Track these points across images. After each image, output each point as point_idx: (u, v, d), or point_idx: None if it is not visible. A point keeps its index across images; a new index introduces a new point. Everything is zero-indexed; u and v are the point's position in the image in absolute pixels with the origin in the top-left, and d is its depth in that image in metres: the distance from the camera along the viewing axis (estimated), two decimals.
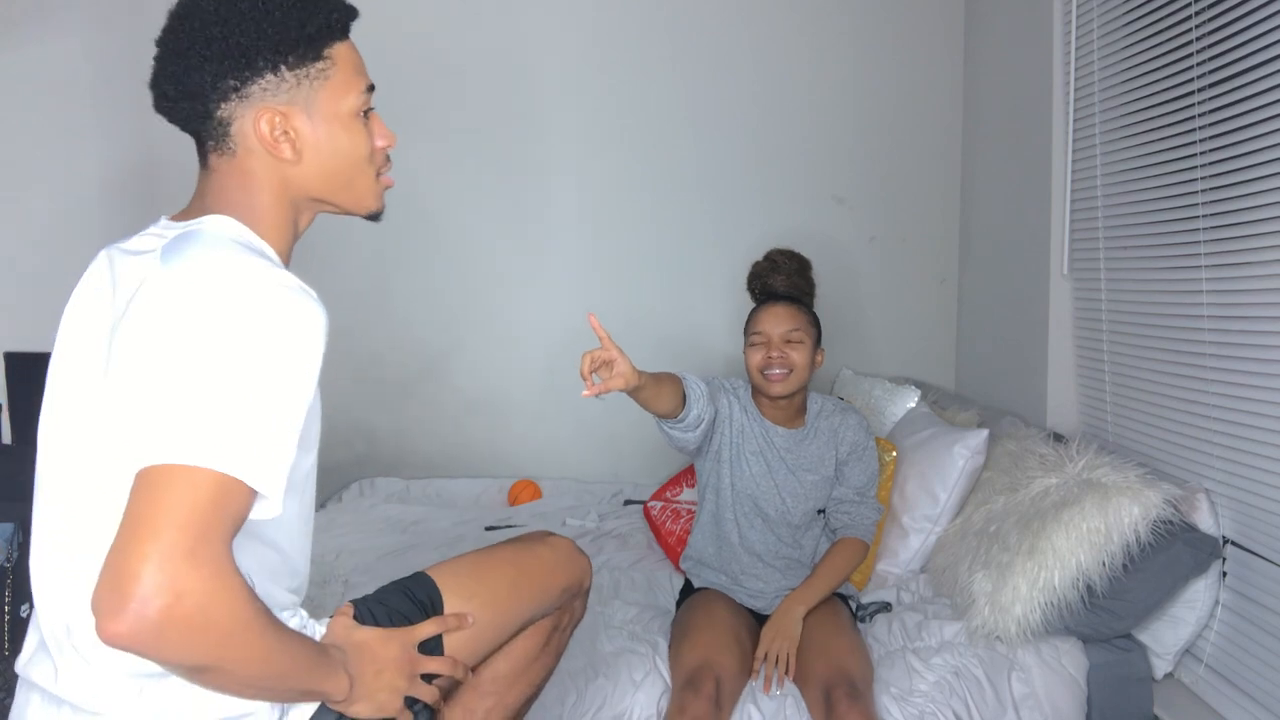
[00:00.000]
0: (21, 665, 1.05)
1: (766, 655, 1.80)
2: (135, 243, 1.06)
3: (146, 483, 0.84)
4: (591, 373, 1.56)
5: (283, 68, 1.04)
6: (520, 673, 1.42)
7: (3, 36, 2.93)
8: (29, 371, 2.96)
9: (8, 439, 2.79)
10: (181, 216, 1.07)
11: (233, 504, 0.86)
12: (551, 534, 1.51)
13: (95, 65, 2.93)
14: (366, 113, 1.12)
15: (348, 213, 1.16)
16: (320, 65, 1.07)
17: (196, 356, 0.89)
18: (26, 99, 2.96)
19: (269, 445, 0.89)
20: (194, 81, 1.03)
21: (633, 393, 1.65)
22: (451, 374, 3.26)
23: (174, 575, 0.80)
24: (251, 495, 0.88)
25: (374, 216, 1.18)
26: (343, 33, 1.10)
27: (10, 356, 2.93)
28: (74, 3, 2.92)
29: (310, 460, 1.06)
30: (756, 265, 2.12)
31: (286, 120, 1.05)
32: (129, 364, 0.93)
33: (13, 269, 2.90)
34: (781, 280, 2.05)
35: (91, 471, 0.98)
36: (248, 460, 0.87)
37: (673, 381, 1.78)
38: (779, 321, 1.96)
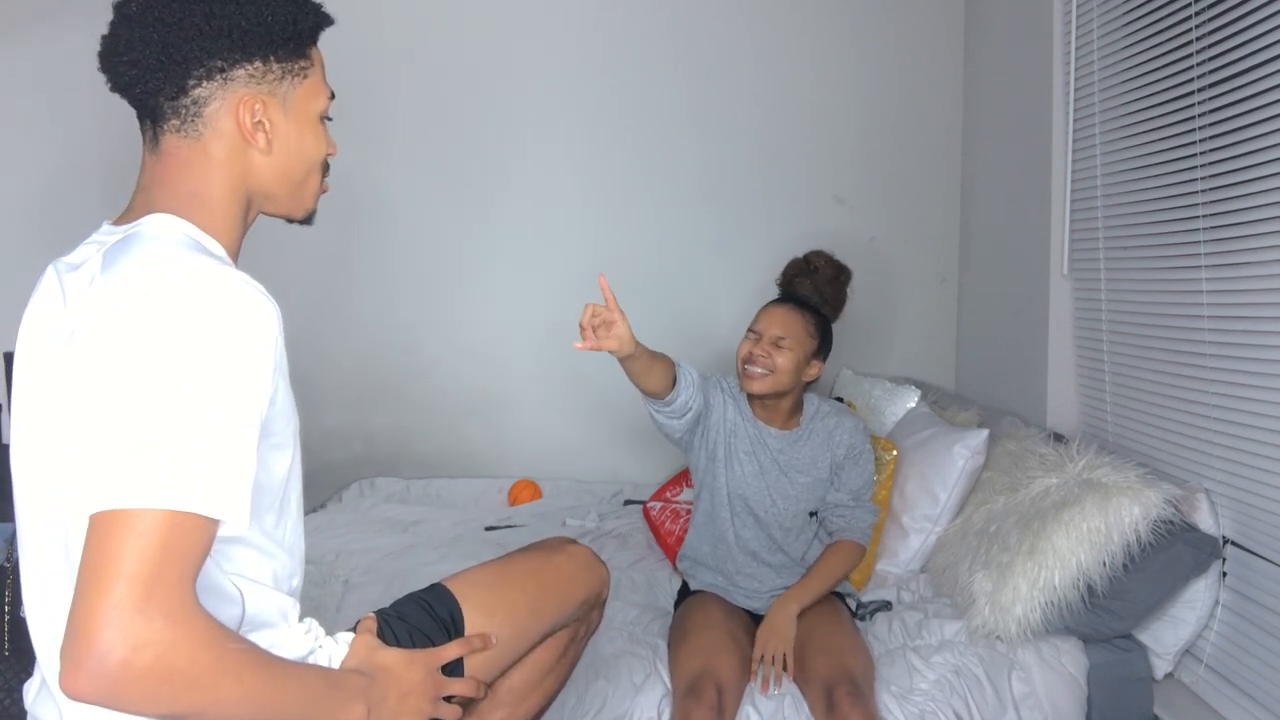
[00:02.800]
0: (29, 701, 1.04)
1: (763, 657, 1.80)
2: (78, 254, 1.03)
3: (94, 531, 0.80)
4: (592, 328, 1.57)
5: (271, 58, 1.04)
6: (535, 685, 1.41)
7: (3, 36, 2.93)
8: None
9: (8, 439, 2.79)
10: (124, 218, 1.04)
11: (188, 539, 0.82)
12: (571, 542, 1.48)
13: (94, 66, 2.93)
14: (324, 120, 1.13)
15: (284, 214, 1.14)
16: (302, 64, 1.07)
17: (132, 384, 0.84)
18: (27, 99, 2.96)
19: (220, 467, 0.85)
20: (182, 52, 0.99)
21: (625, 360, 1.67)
22: (452, 374, 3.26)
23: (126, 630, 0.77)
24: (212, 523, 0.84)
25: (308, 220, 1.17)
26: (317, 37, 1.11)
27: (10, 356, 2.93)
28: (74, 3, 2.92)
29: (286, 461, 1.02)
30: (793, 263, 2.10)
31: (266, 110, 1.04)
32: (74, 395, 0.90)
33: (13, 271, 2.89)
34: (809, 285, 2.03)
35: (57, 507, 0.94)
36: (197, 490, 0.82)
37: (666, 363, 1.80)
38: (775, 322, 1.95)
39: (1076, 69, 2.34)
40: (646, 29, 3.15)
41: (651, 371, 1.74)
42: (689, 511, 2.49)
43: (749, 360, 1.94)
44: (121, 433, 0.83)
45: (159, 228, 0.99)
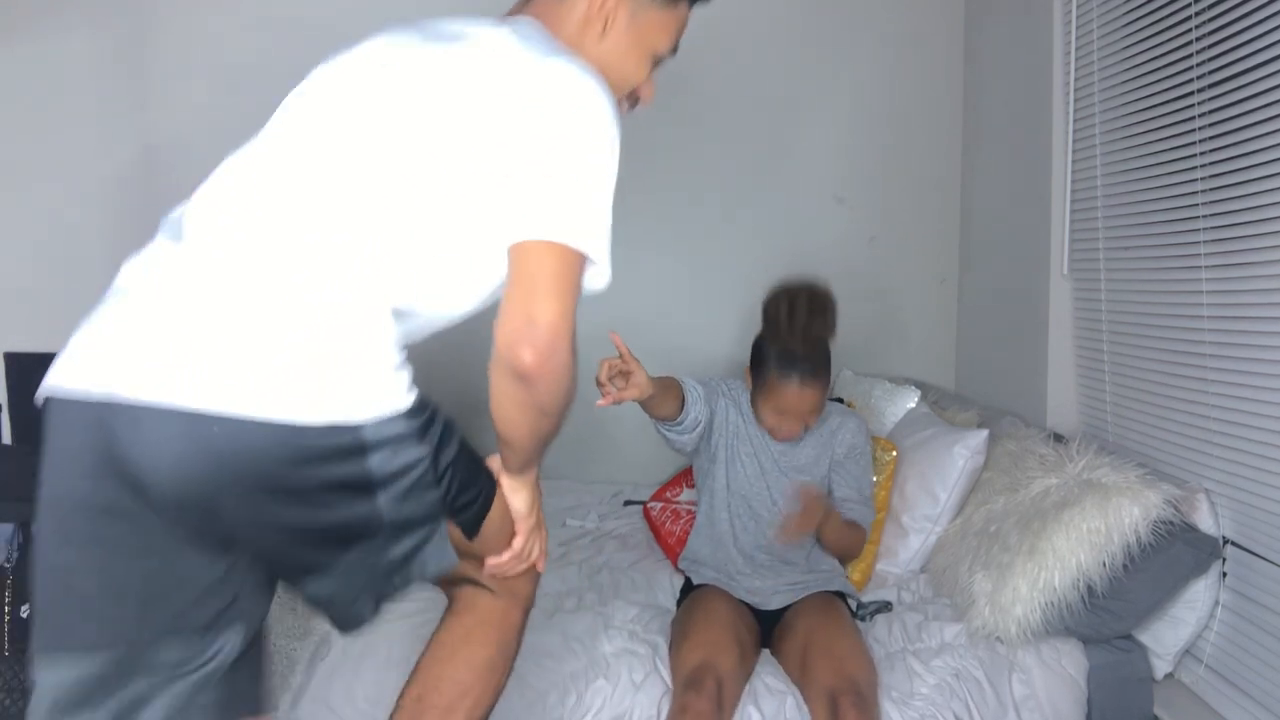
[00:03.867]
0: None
1: (804, 507, 1.83)
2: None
3: (538, 253, 1.07)
4: (609, 380, 1.60)
5: None
6: (485, 677, 1.37)
7: (4, 36, 2.93)
8: (29, 371, 2.95)
9: (8, 439, 2.79)
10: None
11: (581, 275, 1.10)
12: None
13: (95, 65, 2.93)
14: (656, 64, 1.30)
15: None
16: (669, 4, 1.25)
17: (577, 149, 1.08)
18: (27, 99, 2.96)
19: (608, 232, 1.10)
20: None
21: (643, 401, 1.71)
22: (450, 374, 3.24)
23: (559, 320, 1.06)
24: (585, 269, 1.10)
25: None
26: (691, 5, 1.29)
27: (10, 356, 2.92)
28: (74, 3, 2.92)
29: None
30: (773, 312, 1.90)
31: (617, 8, 1.22)
32: (508, 137, 1.09)
33: (12, 270, 2.90)
34: (801, 343, 1.86)
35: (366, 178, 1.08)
36: (601, 244, 1.09)
37: (673, 385, 1.83)
38: (805, 403, 1.88)
39: (1076, 69, 2.34)
40: None
41: (665, 400, 1.78)
42: (689, 512, 2.49)
43: (776, 432, 1.93)
44: (567, 184, 1.08)
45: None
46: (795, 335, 1.87)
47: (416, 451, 1.10)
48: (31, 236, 2.90)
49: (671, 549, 2.43)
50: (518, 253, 1.08)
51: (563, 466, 3.21)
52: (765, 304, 1.94)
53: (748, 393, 2.01)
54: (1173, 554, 1.79)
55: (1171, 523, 1.79)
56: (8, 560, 2.08)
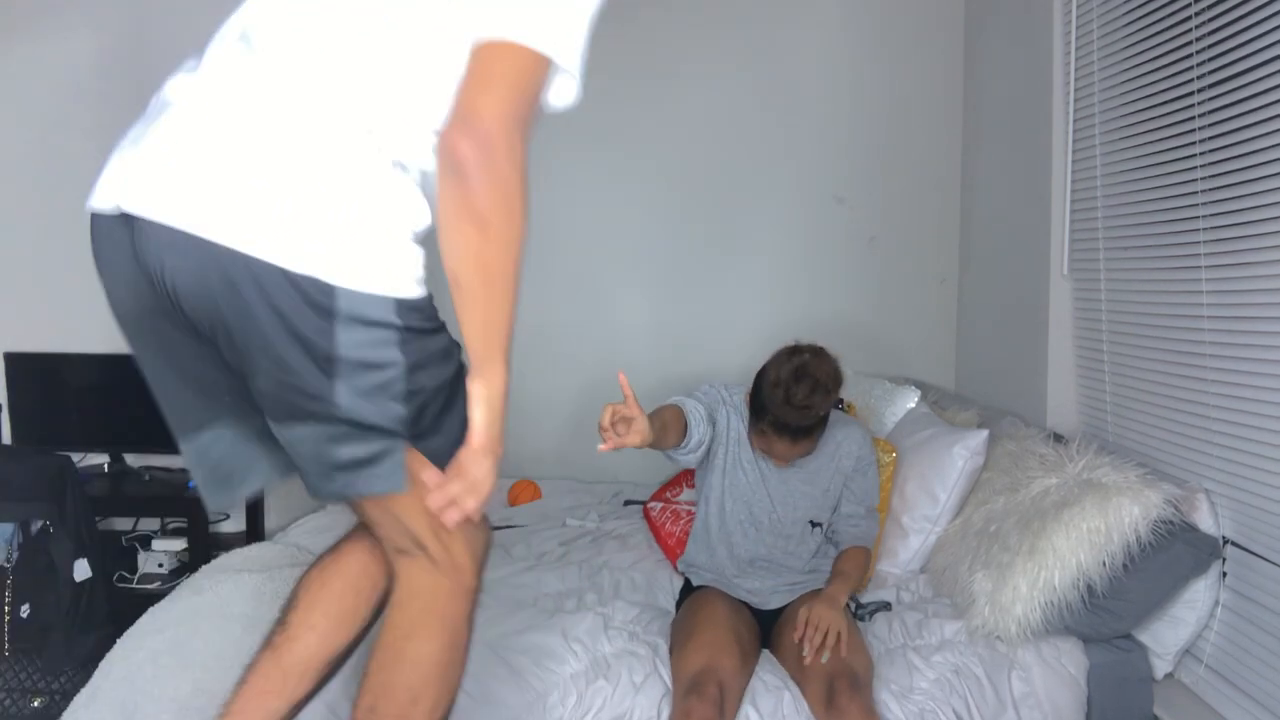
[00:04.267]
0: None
1: (814, 627, 1.77)
2: None
3: (494, 51, 1.04)
4: (612, 425, 1.61)
5: None
6: (436, 680, 1.28)
7: (3, 36, 2.93)
8: (29, 371, 2.96)
9: (8, 439, 2.80)
10: None
11: (542, 83, 1.07)
12: None
13: (95, 64, 2.94)
14: None
15: None
16: None
17: None
18: (27, 99, 2.96)
19: (579, 40, 1.08)
20: None
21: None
22: None
23: (503, 117, 1.03)
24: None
25: None
26: None
27: (10, 356, 2.93)
28: (75, 3, 2.92)
29: None
30: (771, 388, 1.81)
31: None
32: None
33: (13, 271, 2.90)
34: (795, 416, 1.80)
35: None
36: (568, 50, 1.07)
37: (673, 419, 1.83)
38: (794, 452, 1.88)
39: (1076, 69, 2.34)
40: (643, 28, 3.15)
41: (667, 433, 1.78)
42: (689, 512, 2.49)
43: (769, 457, 1.93)
44: None
45: None
46: (793, 410, 1.80)
47: (390, 354, 1.08)
48: (32, 238, 2.91)
49: (671, 550, 2.43)
50: (475, 53, 1.05)
51: (563, 466, 3.23)
52: (763, 374, 1.85)
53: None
54: (1173, 554, 1.79)
55: (1171, 522, 1.80)
56: (7, 560, 2.08)
